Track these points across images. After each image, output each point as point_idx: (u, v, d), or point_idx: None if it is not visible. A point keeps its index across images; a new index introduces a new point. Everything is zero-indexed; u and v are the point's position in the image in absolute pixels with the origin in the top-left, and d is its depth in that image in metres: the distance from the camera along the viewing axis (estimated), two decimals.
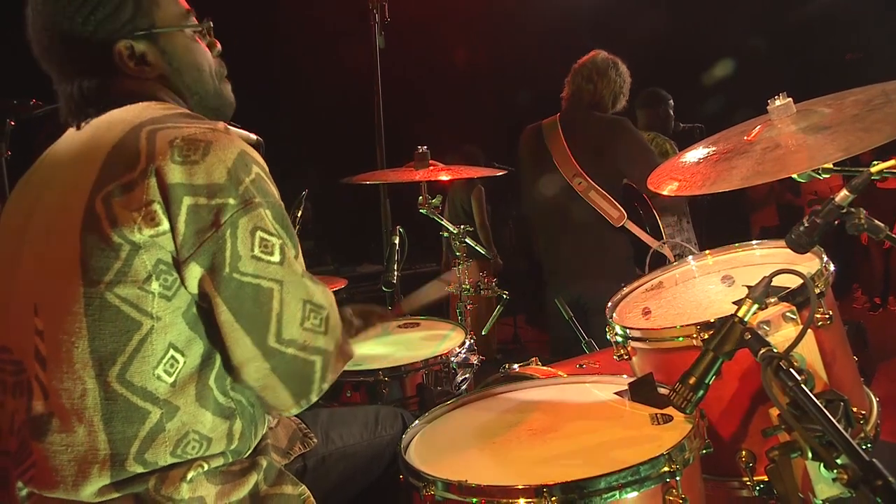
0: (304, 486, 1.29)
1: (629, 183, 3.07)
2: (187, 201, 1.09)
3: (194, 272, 1.11)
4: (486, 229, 5.49)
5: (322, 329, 1.22)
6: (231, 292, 1.12)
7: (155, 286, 1.10)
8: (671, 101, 4.49)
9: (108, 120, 1.21)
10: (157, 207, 1.08)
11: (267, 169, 1.20)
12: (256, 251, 1.13)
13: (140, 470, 1.13)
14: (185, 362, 1.14)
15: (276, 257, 1.15)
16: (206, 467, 1.17)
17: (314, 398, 1.25)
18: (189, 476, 1.14)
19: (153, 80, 1.29)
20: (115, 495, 1.13)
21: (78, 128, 1.27)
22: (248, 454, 1.26)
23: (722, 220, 5.11)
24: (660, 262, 2.91)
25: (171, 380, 1.13)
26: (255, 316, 1.14)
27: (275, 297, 1.15)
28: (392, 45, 3.43)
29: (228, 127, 1.22)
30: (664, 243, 2.91)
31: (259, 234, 1.13)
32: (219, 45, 1.39)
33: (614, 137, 3.03)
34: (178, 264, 1.11)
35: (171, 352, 1.12)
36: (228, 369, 1.19)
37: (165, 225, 1.09)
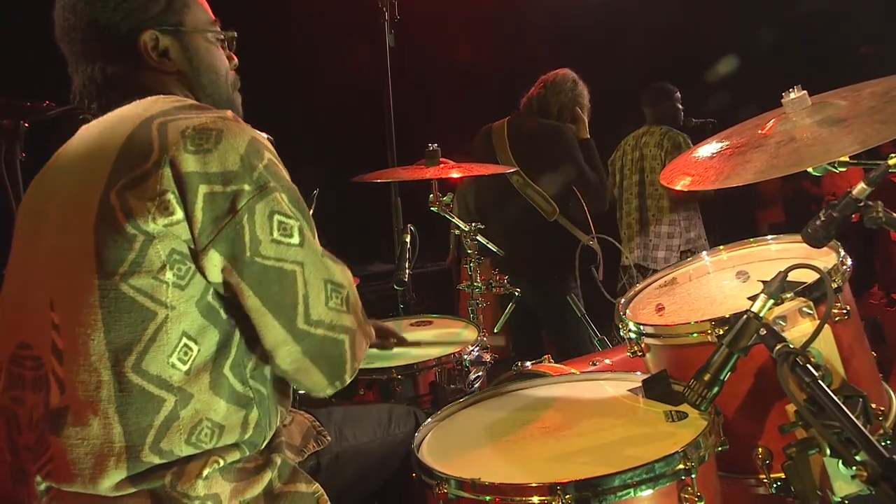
0: (317, 484, 1.30)
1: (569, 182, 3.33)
2: (203, 189, 1.10)
3: (214, 260, 1.12)
4: None
5: (344, 308, 1.24)
6: (255, 277, 1.13)
7: (169, 276, 1.11)
8: (678, 95, 4.45)
9: (118, 116, 1.22)
10: (171, 197, 1.09)
11: (277, 154, 1.21)
12: (276, 235, 1.15)
13: (156, 460, 1.13)
14: (199, 350, 1.15)
15: (296, 239, 1.17)
16: (221, 463, 1.17)
17: (348, 378, 1.27)
18: (205, 473, 1.15)
19: (172, 75, 1.32)
20: (132, 490, 1.13)
21: (91, 111, 1.28)
22: (262, 447, 1.26)
23: (729, 217, 5.07)
24: (589, 255, 3.16)
25: (185, 368, 1.13)
26: (282, 299, 1.16)
27: (298, 279, 1.17)
28: (402, 43, 3.43)
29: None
30: (593, 238, 3.21)
31: (277, 217, 1.15)
32: (236, 60, 1.43)
33: (549, 141, 3.29)
34: (196, 253, 1.12)
35: (185, 340, 1.13)
36: (262, 356, 1.21)
37: (179, 214, 1.10)
